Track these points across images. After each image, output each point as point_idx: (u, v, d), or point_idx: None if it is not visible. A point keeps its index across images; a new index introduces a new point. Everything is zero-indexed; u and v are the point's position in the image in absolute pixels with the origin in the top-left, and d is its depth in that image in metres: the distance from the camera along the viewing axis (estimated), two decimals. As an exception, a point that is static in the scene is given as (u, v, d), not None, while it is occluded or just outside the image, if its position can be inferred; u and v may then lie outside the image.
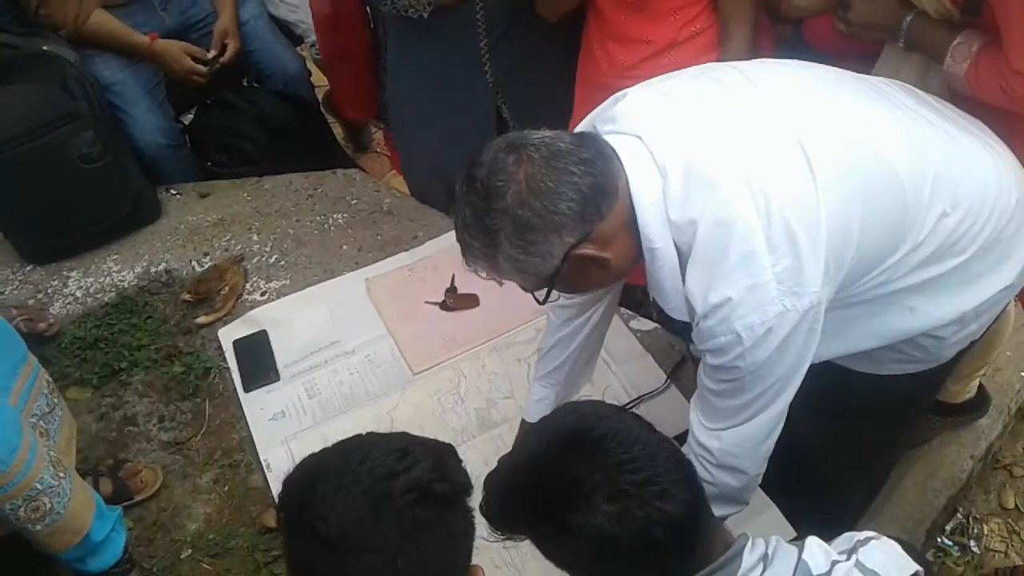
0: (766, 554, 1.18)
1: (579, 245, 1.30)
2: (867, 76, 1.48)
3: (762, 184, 1.26)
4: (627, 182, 1.31)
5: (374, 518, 0.97)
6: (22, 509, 1.57)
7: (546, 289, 1.38)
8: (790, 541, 1.24)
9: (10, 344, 1.75)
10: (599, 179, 1.29)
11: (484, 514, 1.20)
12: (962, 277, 1.40)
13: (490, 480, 1.24)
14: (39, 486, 1.58)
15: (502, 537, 1.23)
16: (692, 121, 1.36)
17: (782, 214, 1.24)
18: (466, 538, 1.05)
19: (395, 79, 2.55)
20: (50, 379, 1.87)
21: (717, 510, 1.48)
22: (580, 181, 1.28)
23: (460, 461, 1.09)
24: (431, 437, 1.11)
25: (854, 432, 1.66)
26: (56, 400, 1.84)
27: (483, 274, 1.40)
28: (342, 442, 1.08)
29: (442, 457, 1.05)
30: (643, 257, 1.35)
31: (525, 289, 1.42)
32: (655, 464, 1.13)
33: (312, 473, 1.03)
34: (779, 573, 1.16)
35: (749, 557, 1.17)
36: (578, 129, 1.52)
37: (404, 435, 1.09)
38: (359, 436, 1.09)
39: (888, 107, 1.41)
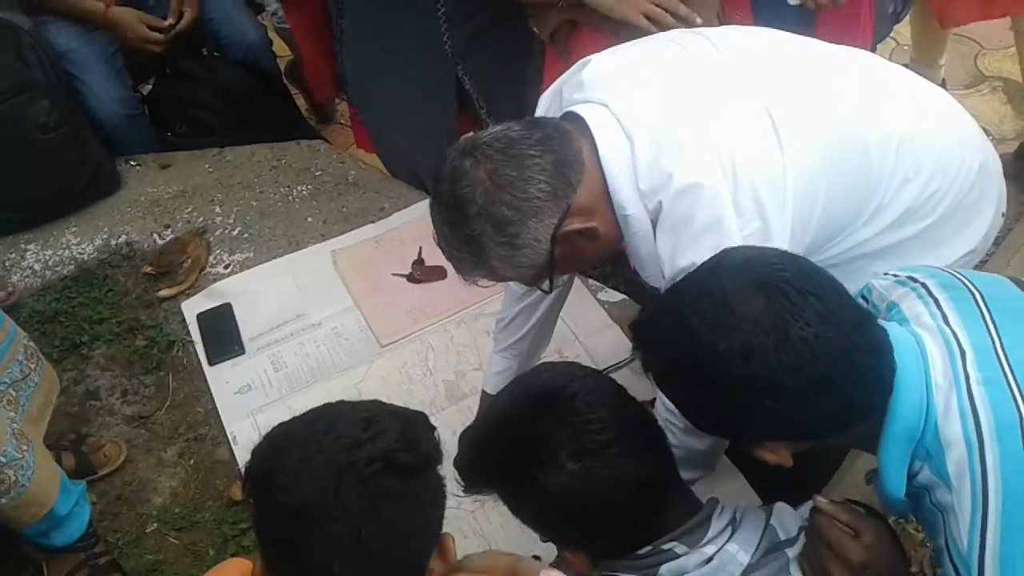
0: (734, 519, 1.20)
1: (562, 223, 1.30)
2: (833, 44, 1.48)
3: (729, 150, 1.26)
4: (595, 151, 1.32)
5: (337, 489, 0.96)
6: (-15, 482, 1.54)
7: (548, 278, 1.38)
8: (760, 507, 1.26)
9: None
10: (559, 153, 1.29)
11: (455, 466, 1.21)
12: (925, 242, 1.42)
13: (464, 433, 1.25)
14: (2, 459, 1.55)
15: (470, 493, 1.24)
16: (659, 87, 1.36)
17: (749, 179, 1.25)
18: (434, 508, 1.03)
19: (353, 52, 2.51)
20: (30, 344, 1.82)
21: (684, 474, 1.50)
22: (542, 161, 1.28)
23: (433, 429, 1.08)
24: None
25: None
26: (33, 366, 1.80)
27: (484, 283, 1.39)
28: (311, 411, 1.07)
29: (411, 426, 1.04)
30: None
31: (530, 285, 1.42)
32: (622, 426, 1.15)
33: (277, 443, 1.03)
34: (747, 538, 1.18)
35: (717, 522, 1.19)
36: (545, 94, 1.52)
37: (375, 403, 1.08)
38: (328, 405, 1.08)
39: (853, 74, 1.43)
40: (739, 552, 1.16)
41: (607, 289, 2.30)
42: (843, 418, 1.04)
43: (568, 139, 1.31)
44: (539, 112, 1.52)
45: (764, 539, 1.18)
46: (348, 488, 0.96)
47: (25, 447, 1.63)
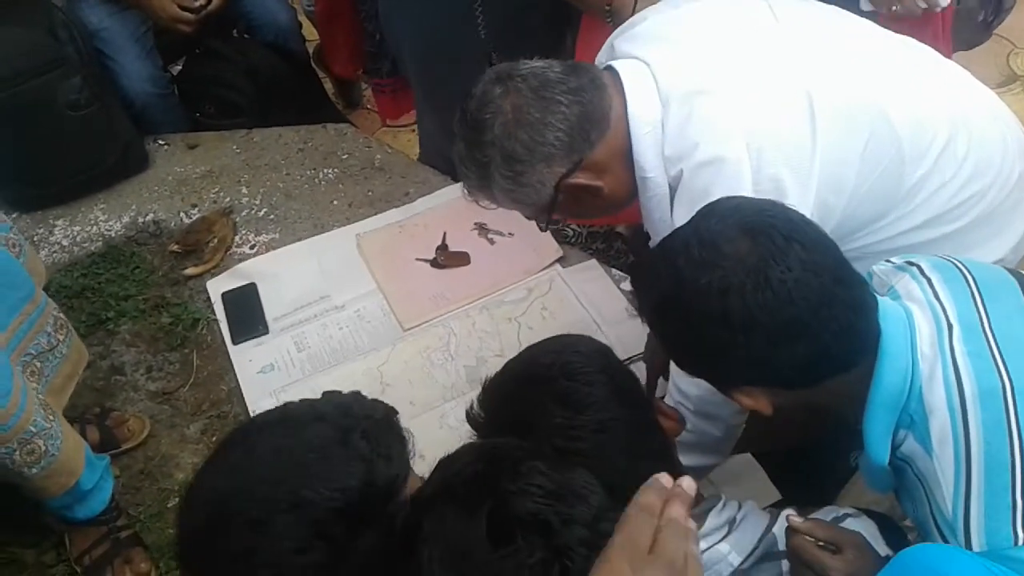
0: (734, 519, 1.19)
1: (570, 175, 1.31)
2: (895, 33, 1.46)
3: (760, 129, 1.26)
4: (624, 110, 1.32)
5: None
6: (17, 453, 1.55)
7: (546, 219, 1.40)
8: (769, 506, 1.25)
9: (15, 280, 1.71)
10: (588, 108, 1.30)
11: (468, 422, 1.22)
12: (954, 245, 1.41)
13: (484, 388, 1.25)
14: (33, 428, 1.57)
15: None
16: (707, 54, 1.35)
17: (774, 161, 1.25)
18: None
19: (391, 30, 2.51)
20: (59, 315, 1.84)
21: (697, 459, 1.50)
22: (568, 111, 1.29)
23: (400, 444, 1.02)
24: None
25: None
26: (61, 337, 1.81)
27: (485, 203, 1.41)
28: (244, 458, 0.99)
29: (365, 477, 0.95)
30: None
31: (527, 217, 1.44)
32: (594, 437, 1.15)
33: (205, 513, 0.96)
34: (743, 540, 1.17)
35: (715, 519, 1.17)
36: (603, 47, 1.52)
37: (338, 430, 0.99)
38: (274, 454, 0.97)
39: (906, 67, 1.41)
40: (731, 553, 1.15)
41: (630, 279, 2.30)
42: (816, 367, 1.05)
43: (602, 94, 1.32)
44: (597, 61, 1.51)
45: (761, 545, 1.16)
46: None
47: (52, 417, 1.65)
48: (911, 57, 1.45)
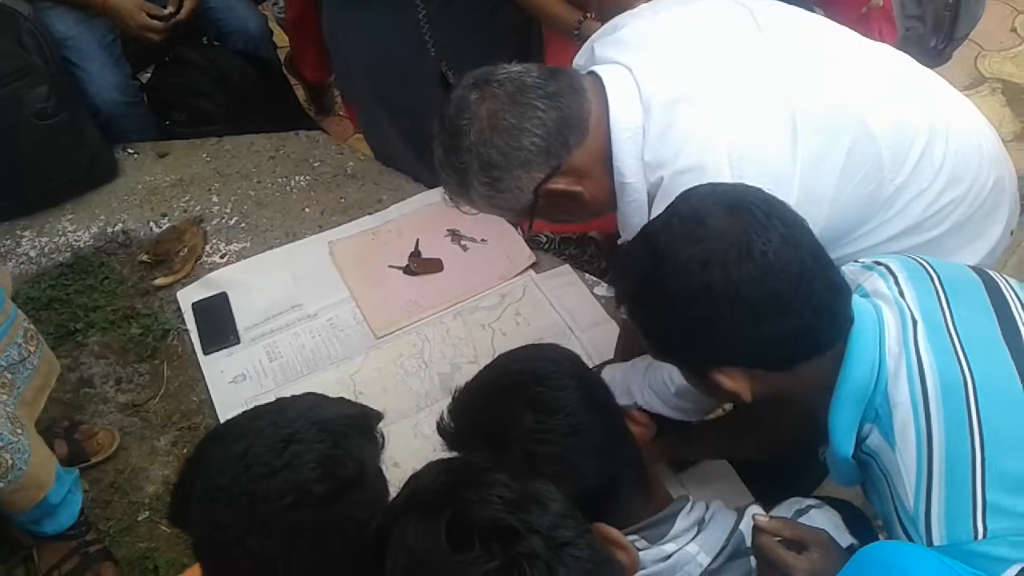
0: (702, 519, 1.19)
1: (548, 180, 1.31)
2: (872, 41, 1.47)
3: (741, 139, 1.26)
4: (604, 115, 1.32)
5: (250, 523, 0.94)
6: (-17, 467, 1.53)
7: (528, 224, 1.41)
8: (733, 509, 1.25)
9: None
10: (566, 112, 1.30)
11: (439, 433, 1.24)
12: (930, 252, 1.42)
13: (454, 399, 1.26)
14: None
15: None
16: (689, 60, 1.35)
17: (754, 173, 1.25)
18: (364, 528, 0.97)
19: (336, 39, 2.51)
20: (30, 326, 1.82)
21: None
22: (545, 116, 1.29)
23: (369, 436, 1.05)
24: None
25: None
26: (32, 348, 1.79)
27: (466, 209, 1.41)
28: (237, 420, 1.05)
29: (337, 441, 1.00)
30: None
31: (509, 221, 1.45)
32: (564, 440, 1.16)
33: (193, 468, 1.00)
34: (711, 540, 1.18)
35: (683, 520, 1.18)
36: (581, 50, 1.52)
37: (306, 409, 1.03)
38: (256, 411, 1.05)
39: (887, 78, 1.41)
40: (699, 553, 1.16)
41: (603, 284, 2.30)
42: (797, 345, 1.06)
43: (580, 99, 1.32)
44: (575, 65, 1.52)
45: (730, 543, 1.17)
46: (262, 522, 0.94)
47: (20, 431, 1.63)
48: (890, 64, 1.46)
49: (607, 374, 1.72)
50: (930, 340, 1.06)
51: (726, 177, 1.24)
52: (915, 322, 1.08)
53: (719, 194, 1.08)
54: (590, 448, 1.17)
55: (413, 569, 0.86)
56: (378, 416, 1.11)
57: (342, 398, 1.12)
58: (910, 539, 1.03)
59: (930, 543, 1.00)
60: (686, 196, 1.11)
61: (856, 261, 1.23)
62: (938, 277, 1.14)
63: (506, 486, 0.89)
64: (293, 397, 1.09)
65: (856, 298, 1.11)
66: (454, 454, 1.22)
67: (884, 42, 1.55)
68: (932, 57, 2.19)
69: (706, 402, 1.59)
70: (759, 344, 1.05)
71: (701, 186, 1.13)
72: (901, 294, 1.12)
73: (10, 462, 1.58)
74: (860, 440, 1.09)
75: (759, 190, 1.10)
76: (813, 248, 1.06)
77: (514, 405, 1.18)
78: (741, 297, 1.02)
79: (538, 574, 0.81)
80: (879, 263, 1.19)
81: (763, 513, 1.16)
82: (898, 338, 1.07)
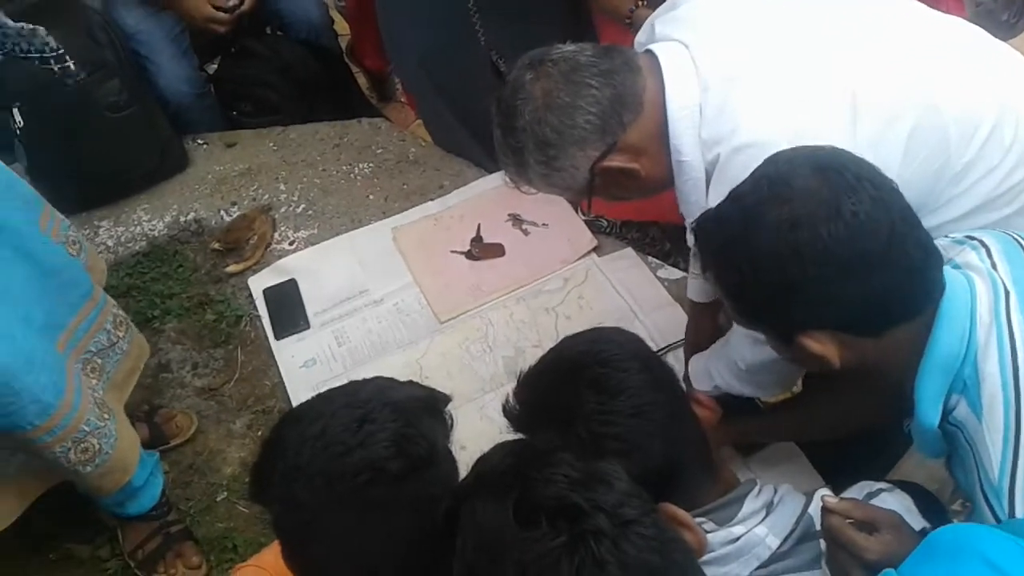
0: (771, 502, 1.19)
1: (604, 157, 1.32)
2: (939, 12, 1.43)
3: (799, 118, 1.25)
4: (662, 92, 1.32)
5: (328, 500, 0.97)
6: (72, 452, 1.60)
7: (587, 202, 1.42)
8: (802, 493, 1.25)
9: (74, 278, 1.75)
10: (620, 90, 1.30)
11: (504, 415, 1.24)
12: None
13: (519, 382, 1.26)
14: (86, 428, 1.61)
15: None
16: (750, 37, 1.34)
17: None
18: (435, 505, 0.99)
19: (392, 35, 2.54)
20: (119, 312, 1.88)
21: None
22: (599, 94, 1.30)
23: (440, 414, 1.08)
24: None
25: None
26: (121, 334, 1.85)
27: (525, 189, 1.43)
28: (312, 402, 1.08)
29: (410, 420, 1.02)
30: None
31: (569, 201, 1.45)
32: (628, 422, 1.16)
33: (274, 447, 1.03)
34: (780, 523, 1.17)
35: (752, 503, 1.18)
36: (643, 27, 1.52)
37: (377, 390, 1.06)
38: (330, 394, 1.08)
39: (956, 53, 1.37)
40: (768, 536, 1.15)
41: (667, 266, 2.30)
42: (887, 307, 1.04)
43: (635, 76, 1.32)
44: (637, 42, 1.52)
45: (799, 526, 1.17)
46: (340, 499, 0.97)
47: (107, 416, 1.69)
48: (959, 38, 1.41)
49: (692, 365, 1.73)
50: (1023, 312, 1.04)
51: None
52: (1007, 293, 1.06)
53: (807, 156, 1.07)
54: (654, 429, 1.17)
55: (483, 547, 0.88)
56: (446, 398, 1.14)
57: (411, 381, 1.15)
58: (993, 512, 1.02)
59: (1012, 515, 0.99)
60: (773, 159, 1.10)
61: (947, 236, 1.21)
62: None
63: (571, 465, 0.91)
64: (364, 380, 1.12)
65: (947, 269, 1.09)
66: (520, 436, 1.24)
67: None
68: (1005, 30, 2.13)
69: (782, 376, 1.59)
70: (848, 306, 1.04)
71: (789, 149, 1.11)
72: (994, 266, 1.10)
73: (97, 447, 1.64)
74: (947, 411, 1.08)
75: (848, 152, 1.08)
76: (903, 210, 1.04)
77: (577, 386, 1.19)
78: (831, 257, 1.00)
79: (604, 551, 0.82)
80: (972, 237, 1.17)
81: (832, 495, 1.15)
82: (990, 308, 1.05)
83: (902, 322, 1.06)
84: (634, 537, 0.84)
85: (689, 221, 1.46)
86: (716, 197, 1.30)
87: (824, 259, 1.01)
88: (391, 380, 1.13)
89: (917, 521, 1.15)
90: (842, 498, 1.14)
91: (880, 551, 1.06)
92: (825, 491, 1.21)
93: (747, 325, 1.21)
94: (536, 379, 1.26)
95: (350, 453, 0.98)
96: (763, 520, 1.17)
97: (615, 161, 1.33)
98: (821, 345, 1.08)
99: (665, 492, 1.12)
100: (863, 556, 1.06)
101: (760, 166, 1.11)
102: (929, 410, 1.08)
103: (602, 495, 0.87)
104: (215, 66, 3.07)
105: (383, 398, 1.04)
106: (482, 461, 0.99)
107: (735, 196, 1.10)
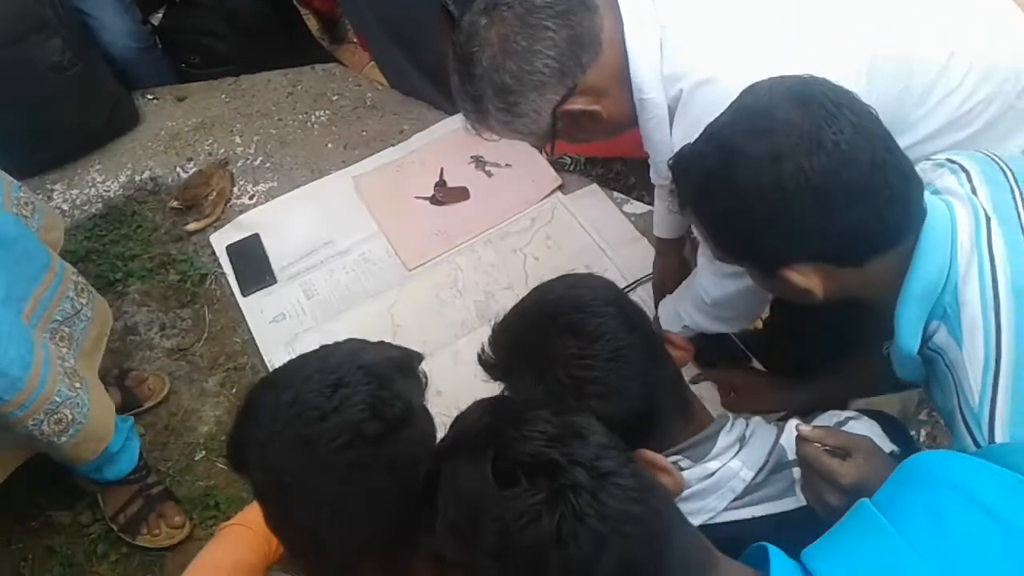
0: (743, 436, 1.21)
1: (565, 101, 1.30)
2: None
3: (757, 55, 1.24)
4: (620, 30, 1.30)
5: (307, 465, 0.97)
6: (45, 423, 1.59)
7: (550, 146, 1.40)
8: (772, 424, 1.27)
9: (31, 251, 1.72)
10: (577, 31, 1.29)
11: (479, 362, 1.23)
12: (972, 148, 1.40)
13: (493, 331, 1.26)
14: (57, 399, 1.60)
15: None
16: None
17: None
18: (414, 464, 0.99)
19: None
20: (79, 279, 1.86)
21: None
22: (556, 36, 1.28)
23: (413, 377, 1.07)
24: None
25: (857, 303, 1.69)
26: (84, 300, 1.83)
27: (487, 135, 1.41)
28: (285, 368, 1.07)
29: (383, 382, 1.02)
30: None
31: (532, 145, 1.43)
32: (607, 366, 1.15)
33: (249, 415, 1.03)
34: (754, 455, 1.18)
35: (725, 438, 1.19)
36: None
37: (350, 353, 1.05)
38: (302, 359, 1.07)
39: None
40: (743, 469, 1.16)
41: (632, 201, 2.30)
42: (869, 236, 1.04)
43: (592, 15, 1.30)
44: None
45: (772, 457, 1.18)
46: (318, 463, 0.97)
47: (78, 384, 1.67)
48: None
49: (661, 308, 1.73)
50: (1004, 237, 1.05)
51: (743, 86, 1.22)
52: (988, 219, 1.06)
53: (786, 86, 1.06)
54: (632, 372, 1.18)
55: (464, 508, 0.89)
56: (419, 357, 1.13)
57: (383, 342, 1.14)
58: (973, 437, 1.03)
59: (991, 440, 1.01)
60: (751, 90, 1.09)
61: (928, 159, 1.21)
62: (1012, 173, 1.11)
63: (547, 421, 0.91)
64: (336, 344, 1.11)
65: (927, 195, 1.09)
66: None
67: None
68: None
69: (745, 311, 1.61)
70: (831, 236, 1.04)
71: (766, 80, 1.10)
72: (974, 191, 1.10)
73: (71, 417, 1.63)
74: (927, 337, 1.09)
75: (825, 80, 1.07)
76: (884, 137, 1.04)
77: (554, 332, 1.19)
78: (813, 188, 1.00)
79: (584, 504, 0.82)
80: (951, 160, 1.17)
81: (805, 424, 1.17)
82: (970, 235, 1.06)
83: (884, 251, 1.06)
84: (612, 488, 0.84)
85: (654, 159, 1.46)
86: (680, 133, 1.30)
87: (807, 191, 1.00)
88: (363, 342, 1.12)
89: (887, 445, 1.18)
90: (815, 426, 1.16)
91: (854, 476, 1.07)
92: (797, 420, 1.23)
93: (728, 260, 1.21)
94: (511, 327, 1.26)
95: (326, 418, 0.98)
96: (737, 454, 1.19)
97: (576, 104, 1.32)
98: (805, 277, 1.08)
99: (642, 432, 1.14)
100: (838, 481, 1.07)
101: (738, 98, 1.09)
102: (909, 336, 1.09)
103: (578, 449, 0.87)
104: (160, 17, 2.98)
105: (356, 361, 1.03)
106: (459, 420, 1.00)
107: (714, 130, 1.09)
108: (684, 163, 1.13)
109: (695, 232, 1.26)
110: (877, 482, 1.01)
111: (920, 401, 1.99)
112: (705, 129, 1.11)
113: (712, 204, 1.11)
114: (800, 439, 1.11)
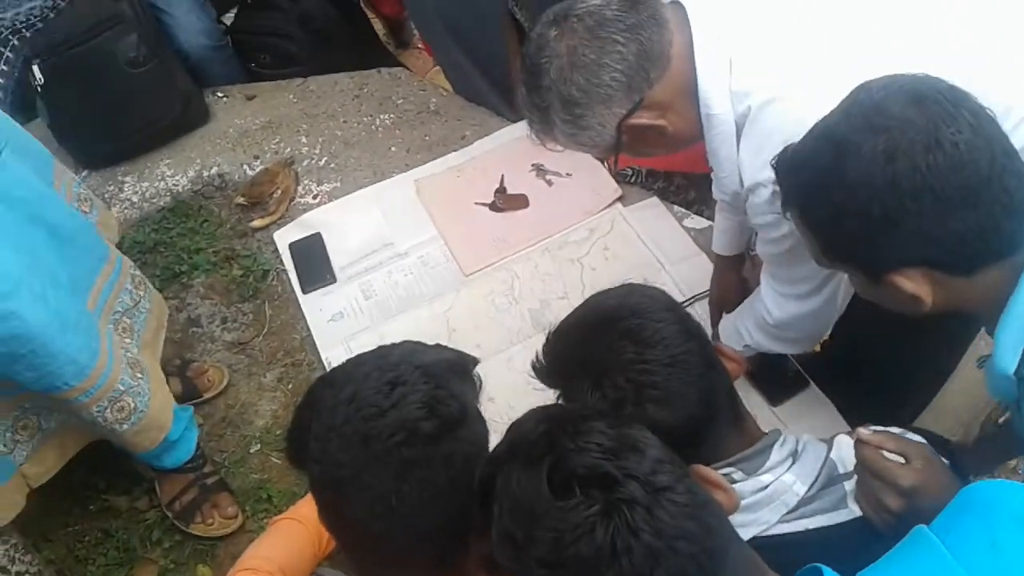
0: (795, 451, 1.20)
1: (631, 115, 1.30)
2: None
3: (832, 77, 1.22)
4: (689, 45, 1.30)
5: (364, 460, 0.98)
6: (108, 410, 1.64)
7: (614, 159, 1.41)
8: (822, 440, 1.26)
9: (90, 243, 1.77)
10: (646, 45, 1.28)
11: (533, 369, 1.23)
12: None
13: (548, 339, 1.25)
14: (121, 387, 1.65)
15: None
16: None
17: None
18: (468, 463, 1.00)
19: None
20: (136, 272, 1.91)
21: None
22: (625, 50, 1.27)
23: (468, 376, 1.09)
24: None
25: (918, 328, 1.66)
26: (142, 293, 1.89)
27: (552, 146, 1.43)
28: (344, 366, 1.09)
29: (440, 383, 1.03)
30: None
31: (596, 157, 1.43)
32: (665, 371, 1.14)
33: (309, 410, 1.05)
34: (806, 470, 1.17)
35: (777, 453, 1.18)
36: None
37: (407, 354, 1.07)
38: (361, 358, 1.09)
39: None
40: (796, 483, 1.16)
41: (693, 216, 2.29)
42: (984, 244, 1.00)
43: (662, 30, 1.29)
44: None
45: (823, 472, 1.17)
46: (374, 459, 0.98)
47: (140, 375, 1.72)
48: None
49: (722, 325, 1.73)
50: None
51: (809, 113, 1.21)
52: None
53: (901, 84, 1.02)
54: (690, 378, 1.17)
55: (518, 516, 0.89)
56: (474, 360, 1.15)
57: (439, 344, 1.16)
58: None
59: None
60: (866, 87, 1.05)
61: None
62: None
63: (603, 433, 0.91)
64: (393, 344, 1.13)
65: None
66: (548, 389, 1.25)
67: None
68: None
69: (808, 333, 1.59)
70: (944, 241, 1.00)
71: (879, 79, 1.06)
72: None
73: (132, 405, 1.68)
74: None
75: (940, 79, 1.03)
76: (1003, 141, 1.00)
77: (612, 337, 1.18)
78: (929, 190, 0.96)
79: (638, 519, 0.83)
80: None
81: (866, 429, 1.15)
82: None
83: (996, 261, 1.02)
84: (668, 504, 0.84)
85: (718, 174, 1.45)
86: (749, 149, 1.29)
87: (922, 192, 0.96)
88: (420, 343, 1.14)
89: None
90: (875, 430, 1.14)
91: (913, 479, 1.05)
92: (844, 438, 1.22)
93: (834, 264, 1.17)
94: (568, 332, 1.26)
95: (383, 415, 0.99)
96: (789, 468, 1.18)
97: (642, 118, 1.32)
98: (914, 284, 1.04)
99: (696, 442, 1.14)
100: (898, 483, 1.05)
101: (851, 95, 1.06)
102: (1008, 356, 1.04)
103: (634, 463, 0.87)
104: (232, 17, 3.04)
105: (413, 361, 1.05)
106: (515, 427, 1.00)
107: (824, 128, 1.06)
108: (792, 161, 1.10)
109: (798, 233, 1.22)
110: (935, 487, 0.99)
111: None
112: (814, 127, 1.09)
113: (821, 204, 1.07)
114: (859, 443, 1.10)
